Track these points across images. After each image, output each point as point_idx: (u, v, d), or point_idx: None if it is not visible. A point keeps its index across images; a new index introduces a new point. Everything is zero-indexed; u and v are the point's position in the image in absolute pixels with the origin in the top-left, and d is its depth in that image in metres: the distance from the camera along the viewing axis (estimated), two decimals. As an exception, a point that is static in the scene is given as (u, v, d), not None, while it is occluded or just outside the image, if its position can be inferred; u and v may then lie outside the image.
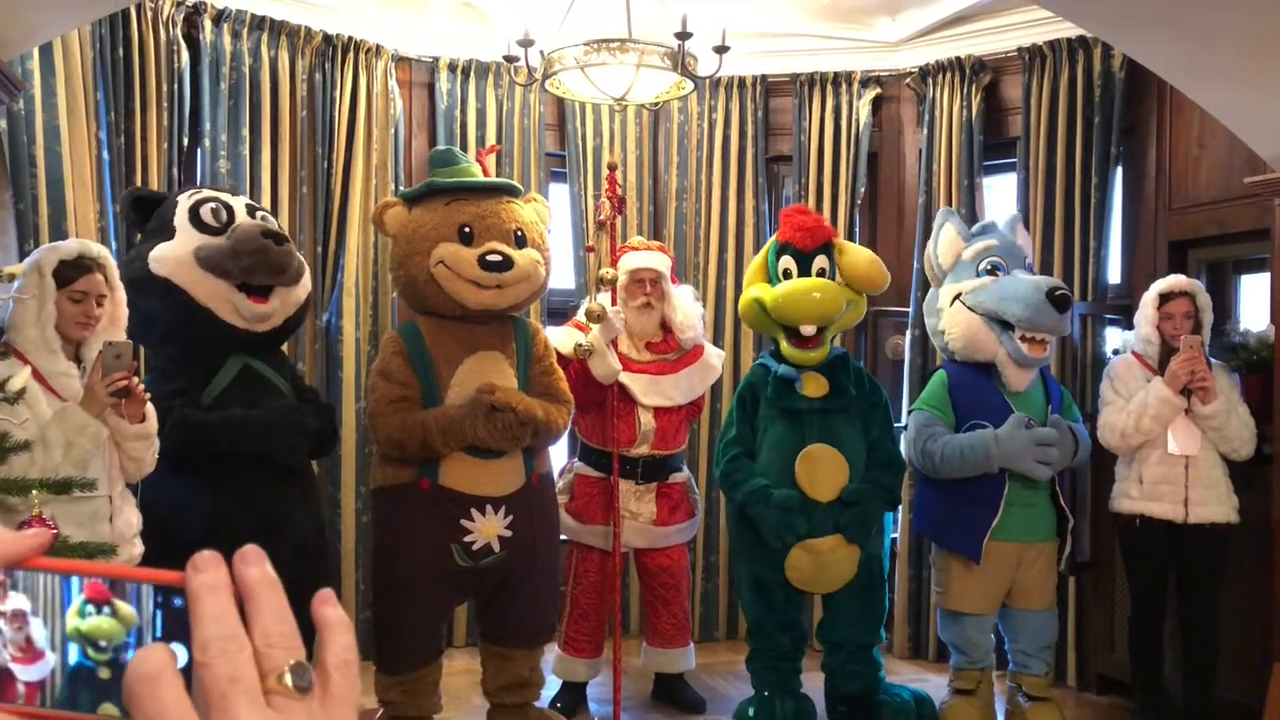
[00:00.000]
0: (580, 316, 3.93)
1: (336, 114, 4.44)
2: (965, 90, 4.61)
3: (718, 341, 4.87)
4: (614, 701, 3.76)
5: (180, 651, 0.50)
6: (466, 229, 3.36)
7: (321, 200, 4.45)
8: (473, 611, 4.15)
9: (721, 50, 3.54)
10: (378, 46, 4.54)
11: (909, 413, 3.92)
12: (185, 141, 4.11)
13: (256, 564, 0.52)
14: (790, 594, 3.61)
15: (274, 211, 4.25)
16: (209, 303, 3.12)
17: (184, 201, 3.24)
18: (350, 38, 4.47)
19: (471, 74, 4.79)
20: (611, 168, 3.75)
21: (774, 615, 3.62)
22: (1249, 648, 3.61)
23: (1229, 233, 3.98)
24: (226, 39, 4.19)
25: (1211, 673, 3.63)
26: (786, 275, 3.62)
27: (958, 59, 4.65)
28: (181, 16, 4.09)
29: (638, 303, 3.94)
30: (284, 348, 3.59)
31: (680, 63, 3.44)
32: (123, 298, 2.93)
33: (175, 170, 4.04)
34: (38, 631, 0.51)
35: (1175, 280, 3.69)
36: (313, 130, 4.42)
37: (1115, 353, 4.05)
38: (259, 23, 4.26)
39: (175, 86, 4.03)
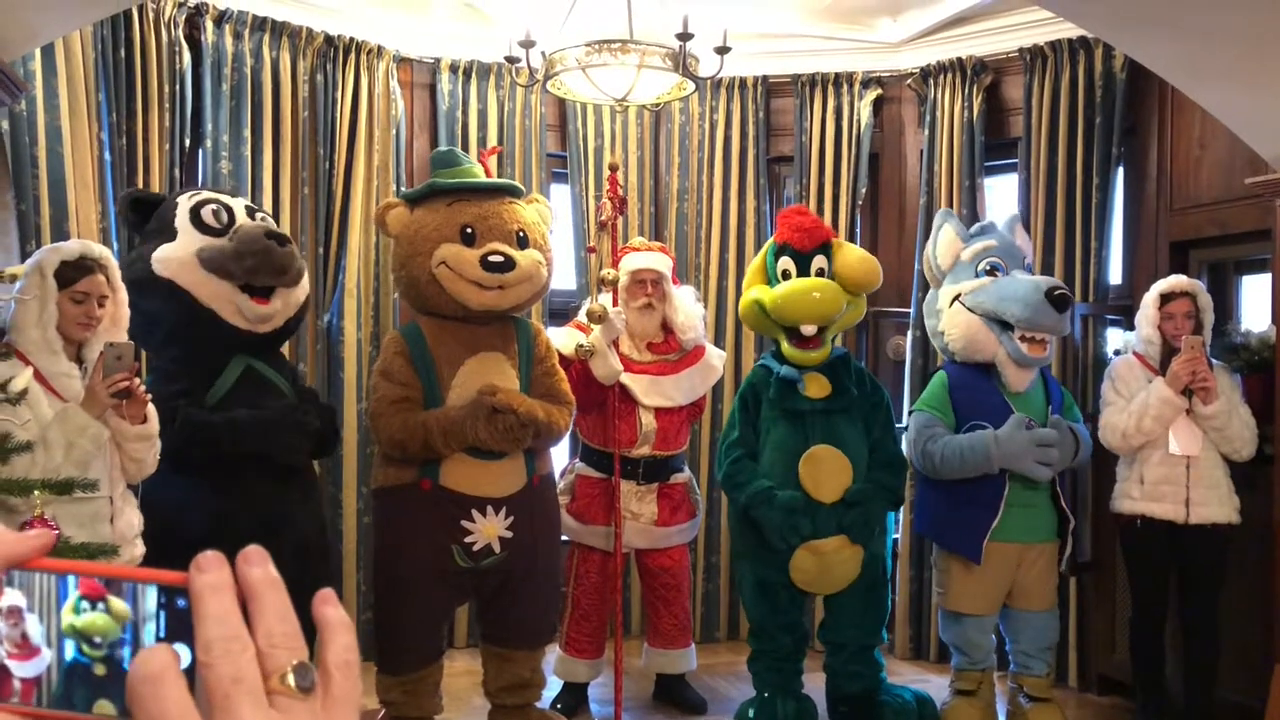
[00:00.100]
0: (581, 317, 3.93)
1: (338, 115, 4.45)
2: (966, 91, 4.61)
3: (719, 342, 4.87)
4: (615, 702, 3.76)
5: (183, 652, 0.50)
6: (468, 230, 3.36)
7: (323, 201, 4.46)
8: (474, 612, 4.15)
9: (723, 51, 3.55)
10: (379, 47, 4.55)
11: (909, 414, 3.92)
12: (187, 142, 4.11)
13: (259, 564, 0.52)
14: (794, 595, 3.60)
15: (275, 212, 4.26)
16: (212, 304, 3.12)
17: (184, 203, 3.24)
18: (352, 39, 4.47)
19: (473, 75, 4.79)
20: (613, 168, 3.75)
21: (777, 616, 3.62)
22: (1250, 648, 3.61)
23: (1230, 233, 3.98)
24: (228, 40, 4.19)
25: (1213, 673, 3.63)
26: (786, 276, 3.62)
27: (959, 60, 4.65)
28: (183, 18, 4.10)
29: (639, 303, 3.94)
30: (284, 349, 3.60)
31: (681, 63, 3.44)
32: (124, 298, 2.94)
33: (177, 171, 4.04)
34: (34, 628, 0.51)
35: (1176, 280, 3.69)
36: (314, 131, 4.43)
37: (1116, 353, 4.05)
38: (260, 24, 4.27)
39: (177, 87, 4.04)
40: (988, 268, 3.74)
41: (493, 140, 4.75)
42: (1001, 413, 3.58)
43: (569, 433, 3.69)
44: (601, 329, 3.70)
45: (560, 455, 4.11)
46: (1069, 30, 4.27)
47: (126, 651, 0.51)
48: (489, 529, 3.31)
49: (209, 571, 0.50)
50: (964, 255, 3.81)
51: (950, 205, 4.55)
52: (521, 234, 3.44)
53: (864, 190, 4.94)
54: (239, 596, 0.51)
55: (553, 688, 3.99)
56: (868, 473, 3.58)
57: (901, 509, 4.39)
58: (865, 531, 3.51)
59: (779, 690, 3.64)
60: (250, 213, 3.34)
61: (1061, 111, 4.36)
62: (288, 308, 3.28)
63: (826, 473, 3.50)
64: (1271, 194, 3.44)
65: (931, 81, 4.73)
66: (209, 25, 4.14)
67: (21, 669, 0.51)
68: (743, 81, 5.01)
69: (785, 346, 3.62)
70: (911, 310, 4.69)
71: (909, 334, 4.76)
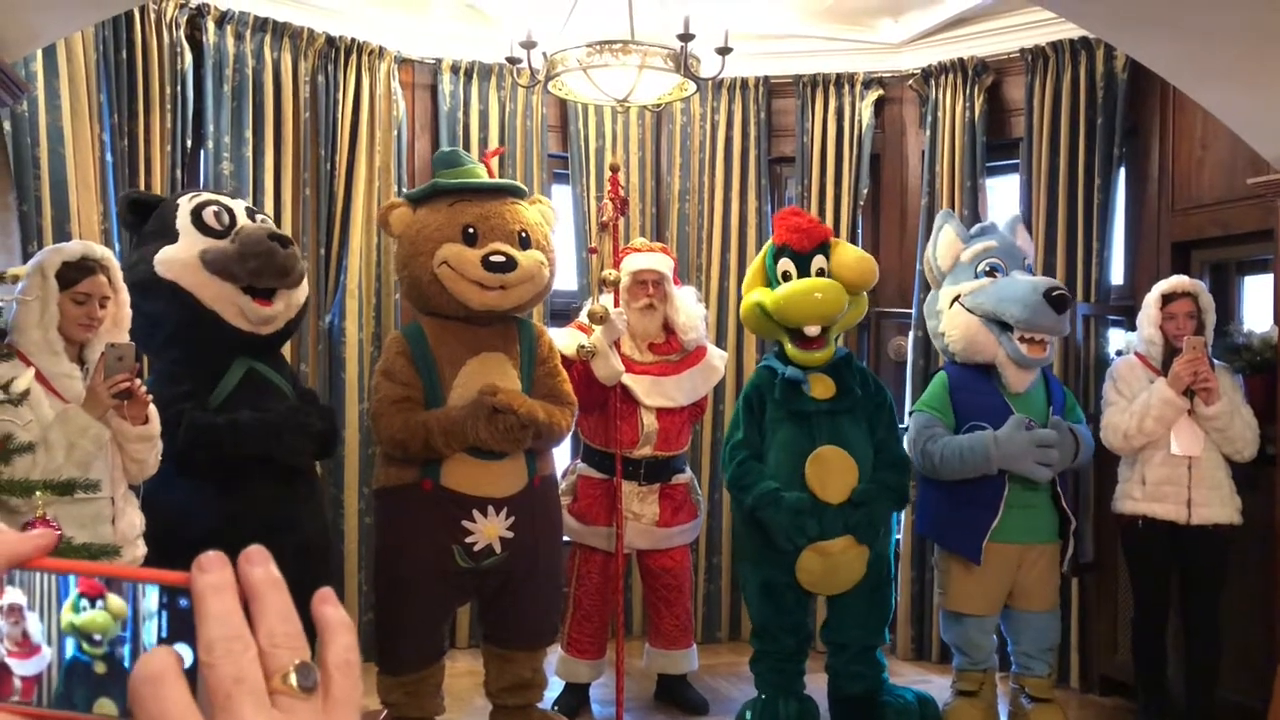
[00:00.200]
0: (583, 318, 3.93)
1: (339, 116, 4.45)
2: (968, 91, 4.61)
3: (720, 343, 4.87)
4: (616, 703, 3.76)
5: (185, 652, 0.50)
6: (470, 230, 3.36)
7: (324, 202, 4.46)
8: (475, 613, 4.15)
9: (724, 52, 3.55)
10: (380, 48, 4.55)
11: (910, 414, 3.92)
12: (188, 143, 4.11)
13: (261, 564, 0.52)
14: (799, 596, 3.59)
15: (276, 213, 4.27)
16: (215, 305, 3.12)
17: (185, 204, 3.24)
18: (353, 40, 4.47)
19: (474, 76, 4.79)
20: (614, 169, 3.75)
21: (782, 618, 3.61)
22: (1252, 649, 3.61)
23: (1232, 234, 3.97)
24: (230, 41, 4.20)
25: (1214, 674, 3.63)
26: (786, 277, 3.62)
27: (960, 60, 4.65)
28: (185, 19, 4.10)
29: (640, 304, 3.94)
30: (286, 350, 3.60)
31: (683, 64, 3.44)
32: (126, 299, 2.93)
33: (179, 172, 4.05)
34: (34, 626, 0.51)
35: (1178, 281, 3.69)
36: (315, 132, 4.43)
37: (1118, 353, 4.05)
38: (262, 25, 4.27)
39: (178, 88, 4.04)
40: (987, 269, 3.74)
41: (494, 141, 4.75)
42: (1002, 413, 3.58)
43: (570, 433, 3.69)
44: (603, 330, 3.70)
45: (562, 456, 4.11)
46: (1070, 31, 4.27)
47: (126, 649, 0.51)
48: (490, 529, 3.31)
49: (211, 571, 0.51)
50: (964, 256, 3.81)
51: (952, 206, 4.56)
52: (523, 234, 3.44)
53: (865, 191, 4.94)
54: (241, 597, 0.51)
55: (554, 688, 3.99)
56: (873, 473, 3.57)
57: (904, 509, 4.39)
58: (871, 532, 3.51)
59: (781, 691, 3.63)
60: (250, 214, 3.34)
61: (1063, 112, 4.36)
62: (289, 309, 3.28)
63: (833, 473, 3.50)
64: (1273, 194, 3.44)
65: (933, 82, 4.73)
66: (210, 26, 4.14)
67: (22, 667, 0.51)
68: (744, 82, 5.01)
69: (789, 348, 3.61)
70: (913, 311, 4.69)
71: (910, 335, 4.75)
